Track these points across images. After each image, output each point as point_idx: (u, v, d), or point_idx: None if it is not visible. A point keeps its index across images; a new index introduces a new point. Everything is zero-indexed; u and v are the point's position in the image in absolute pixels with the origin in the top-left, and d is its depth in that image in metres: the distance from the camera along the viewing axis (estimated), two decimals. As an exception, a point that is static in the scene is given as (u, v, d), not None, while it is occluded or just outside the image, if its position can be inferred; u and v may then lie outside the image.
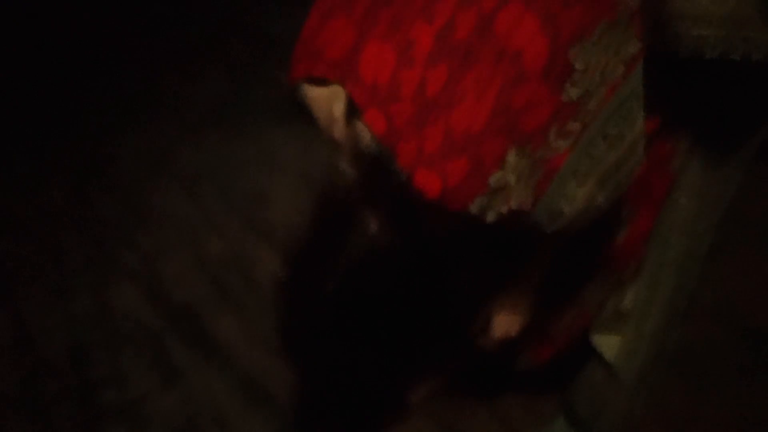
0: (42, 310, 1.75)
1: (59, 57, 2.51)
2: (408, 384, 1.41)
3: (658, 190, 1.10)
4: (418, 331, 1.09)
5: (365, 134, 0.85)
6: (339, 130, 0.89)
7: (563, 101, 0.84)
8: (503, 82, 0.82)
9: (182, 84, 2.38)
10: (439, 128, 0.82)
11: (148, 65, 2.48)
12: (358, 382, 1.37)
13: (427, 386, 1.44)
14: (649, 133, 0.96)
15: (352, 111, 0.87)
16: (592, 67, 0.84)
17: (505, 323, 1.19)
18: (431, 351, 1.34)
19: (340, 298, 1.02)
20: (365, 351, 1.03)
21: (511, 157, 0.84)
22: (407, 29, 0.84)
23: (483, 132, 0.82)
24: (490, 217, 0.86)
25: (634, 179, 0.92)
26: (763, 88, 0.99)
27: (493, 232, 0.96)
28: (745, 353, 1.53)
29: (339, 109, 0.88)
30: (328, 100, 0.89)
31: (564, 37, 0.83)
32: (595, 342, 1.22)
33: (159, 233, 1.92)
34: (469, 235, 1.09)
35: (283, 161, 2.03)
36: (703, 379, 1.49)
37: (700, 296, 1.58)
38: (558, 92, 0.83)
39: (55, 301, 1.78)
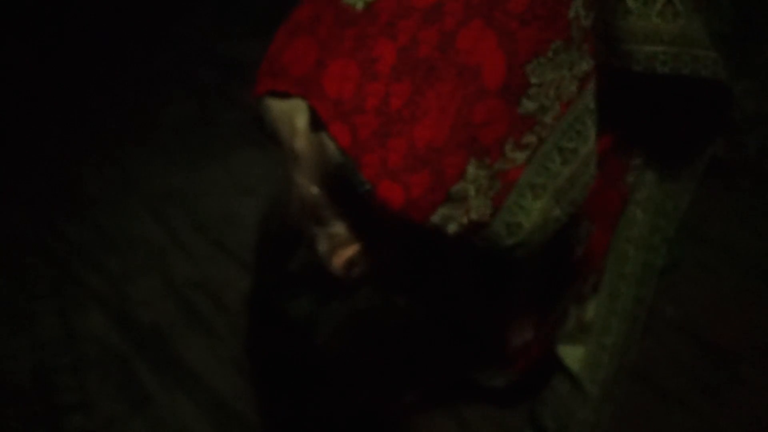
0: (7, 335, 1.73)
1: (26, 82, 2.50)
2: (382, 402, 1.41)
3: (613, 204, 1.13)
4: (394, 347, 1.10)
5: (329, 146, 0.87)
6: (301, 142, 0.90)
7: (519, 114, 0.87)
8: (464, 97, 0.85)
9: (149, 107, 2.38)
10: (402, 141, 0.84)
11: (115, 89, 2.47)
12: (331, 401, 1.37)
13: (402, 402, 1.44)
14: (604, 150, 1.00)
15: (316, 124, 0.88)
16: (548, 82, 0.88)
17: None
18: (408, 367, 1.35)
19: (310, 315, 1.02)
20: (338, 369, 1.04)
21: (471, 169, 0.86)
22: (371, 46, 0.87)
23: (445, 145, 0.85)
24: (451, 228, 0.88)
25: (588, 193, 0.95)
26: (709, 105, 1.03)
27: (469, 248, 0.98)
28: (708, 369, 1.56)
29: (302, 121, 0.90)
30: (289, 113, 0.91)
31: (521, 54, 0.86)
32: (560, 354, 1.24)
33: (126, 256, 1.90)
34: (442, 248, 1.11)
35: (251, 183, 2.04)
36: (668, 394, 1.52)
37: (662, 312, 1.62)
38: (514, 106, 0.86)
39: (20, 325, 1.75)
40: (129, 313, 1.77)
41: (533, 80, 0.87)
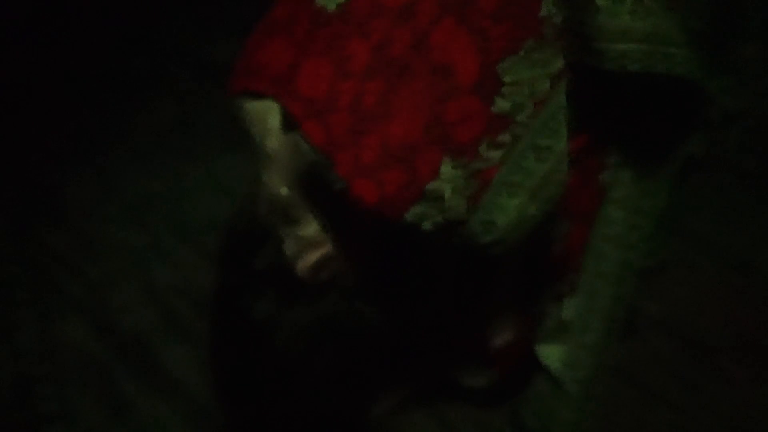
0: (-15, 345, 1.71)
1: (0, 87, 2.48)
2: (366, 402, 1.41)
3: (590, 203, 1.13)
4: (357, 354, 1.09)
5: (303, 145, 0.87)
6: (273, 141, 0.91)
7: (494, 113, 0.88)
8: (437, 95, 0.86)
9: (128, 111, 2.37)
10: (376, 139, 0.85)
11: (93, 92, 2.46)
12: (313, 403, 1.36)
13: (386, 403, 1.44)
14: (579, 149, 1.00)
15: (290, 124, 0.89)
16: (521, 81, 0.88)
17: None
18: (391, 367, 1.35)
19: (272, 316, 1.02)
20: (300, 373, 1.03)
21: (446, 168, 0.87)
22: (344, 45, 0.88)
23: (418, 143, 0.86)
24: (426, 226, 0.89)
25: (564, 191, 0.96)
26: (683, 102, 1.04)
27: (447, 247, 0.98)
28: (689, 364, 1.57)
29: (274, 120, 0.90)
30: (263, 113, 0.91)
31: (494, 52, 0.87)
32: (540, 353, 1.24)
33: (106, 262, 1.89)
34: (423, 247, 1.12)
35: (233, 187, 2.03)
36: (650, 391, 1.52)
37: (644, 309, 1.63)
38: (489, 105, 0.87)
39: (-1, 334, 1.74)
40: (109, 320, 1.76)
41: (506, 79, 0.87)
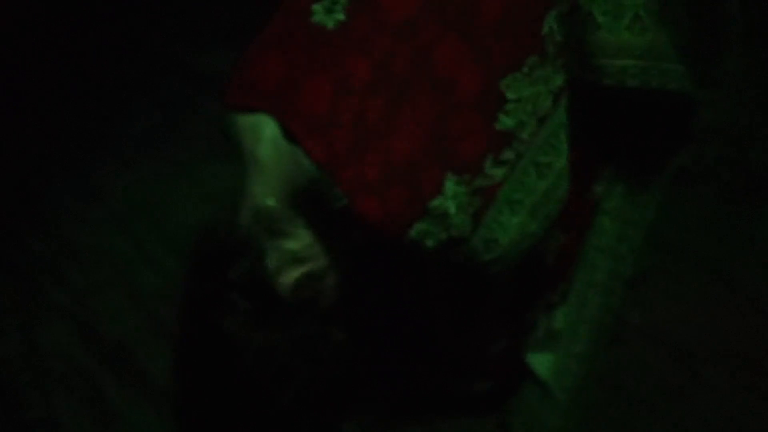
0: (-31, 352, 1.69)
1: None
2: (348, 414, 1.41)
3: (582, 214, 1.15)
4: (357, 359, 1.09)
5: (303, 161, 0.87)
6: (264, 151, 0.90)
7: (498, 130, 0.89)
8: (439, 111, 0.86)
9: (115, 118, 2.36)
10: (378, 155, 0.85)
11: (81, 99, 2.44)
12: (296, 414, 1.36)
13: (367, 416, 1.44)
14: (574, 162, 1.02)
15: (289, 140, 0.89)
16: (525, 98, 0.89)
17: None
18: (374, 379, 1.35)
19: (242, 332, 0.99)
20: (289, 393, 1.01)
21: (450, 185, 0.87)
22: (344, 63, 0.88)
23: (421, 159, 0.86)
24: (430, 243, 0.89)
25: (562, 207, 0.97)
26: (675, 117, 1.06)
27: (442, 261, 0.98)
28: (673, 372, 1.59)
29: (267, 131, 0.90)
30: (256, 125, 0.91)
31: (495, 69, 0.88)
32: (530, 362, 1.26)
33: (91, 269, 1.88)
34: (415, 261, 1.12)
35: (219, 195, 2.02)
36: (636, 399, 1.54)
37: (628, 318, 1.65)
38: (492, 121, 0.88)
39: (-18, 342, 1.72)
40: (94, 327, 1.75)
41: (510, 96, 0.88)
